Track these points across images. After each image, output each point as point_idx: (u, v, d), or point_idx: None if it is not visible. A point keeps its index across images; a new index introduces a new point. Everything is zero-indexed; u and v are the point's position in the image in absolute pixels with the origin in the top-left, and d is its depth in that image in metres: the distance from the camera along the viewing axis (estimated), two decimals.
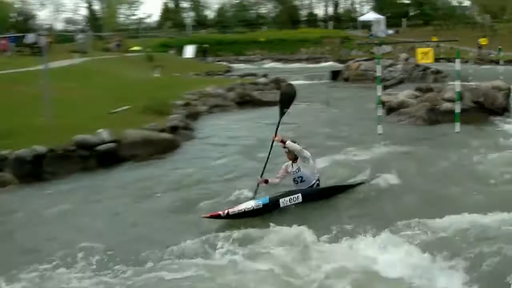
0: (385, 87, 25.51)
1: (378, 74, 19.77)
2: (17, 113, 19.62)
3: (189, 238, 9.63)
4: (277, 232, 9.84)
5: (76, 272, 8.56)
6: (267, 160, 11.59)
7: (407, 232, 9.49)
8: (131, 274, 8.43)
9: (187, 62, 53.73)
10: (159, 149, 17.56)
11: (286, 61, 63.35)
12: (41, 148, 15.39)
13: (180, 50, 64.21)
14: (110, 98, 23.86)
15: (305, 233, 9.62)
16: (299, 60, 63.36)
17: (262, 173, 11.51)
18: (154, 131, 18.41)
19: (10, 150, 15.12)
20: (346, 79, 41.77)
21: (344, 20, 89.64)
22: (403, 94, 24.25)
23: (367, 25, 73.15)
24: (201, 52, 63.89)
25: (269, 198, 11.03)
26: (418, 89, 24.74)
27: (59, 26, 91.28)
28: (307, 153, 11.47)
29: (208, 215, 10.40)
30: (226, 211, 10.42)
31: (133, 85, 28.67)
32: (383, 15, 73.21)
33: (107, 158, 16.33)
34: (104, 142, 16.58)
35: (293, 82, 35.24)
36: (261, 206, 10.80)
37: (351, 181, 12.80)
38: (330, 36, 71.32)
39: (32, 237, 10.63)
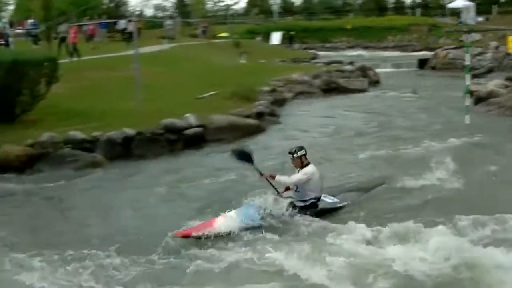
0: (473, 76, 25.00)
1: (467, 62, 19.40)
2: (109, 97, 20.27)
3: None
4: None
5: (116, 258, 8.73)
6: (272, 184, 10.60)
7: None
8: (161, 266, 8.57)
9: (273, 49, 53.78)
10: (245, 134, 17.86)
11: (372, 48, 62.58)
12: (130, 131, 15.98)
13: (266, 37, 64.28)
14: (197, 84, 24.26)
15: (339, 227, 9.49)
16: (385, 48, 62.35)
17: (277, 190, 10.58)
18: (240, 117, 18.71)
19: (102, 132, 15.73)
20: (433, 68, 40.97)
21: (432, 7, 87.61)
22: (493, 83, 23.74)
23: (456, 12, 71.28)
24: (288, 39, 63.78)
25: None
26: (509, 79, 24.20)
27: (149, 12, 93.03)
28: (303, 177, 10.22)
29: (180, 234, 9.31)
30: (200, 233, 9.31)
31: (219, 71, 28.96)
32: (472, 1, 71.27)
33: (194, 142, 16.77)
34: (191, 127, 17.03)
35: (380, 70, 35.32)
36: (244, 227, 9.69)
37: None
38: (417, 23, 69.76)
39: (98, 220, 11.00)
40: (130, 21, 38.08)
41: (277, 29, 67.11)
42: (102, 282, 8.00)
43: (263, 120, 19.58)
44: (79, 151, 15.03)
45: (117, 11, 72.52)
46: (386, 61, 44.80)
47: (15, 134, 15.51)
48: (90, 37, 41.62)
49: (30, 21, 40.18)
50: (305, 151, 10.51)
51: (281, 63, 40.12)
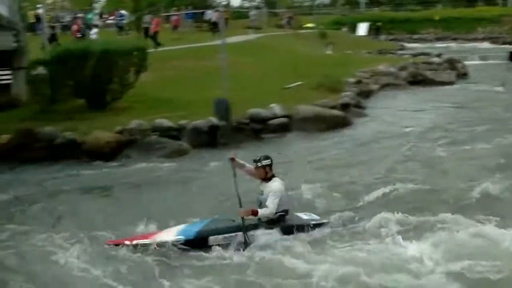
0: None
1: None
2: (195, 86, 20.58)
3: None
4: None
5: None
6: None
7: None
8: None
9: (359, 40, 53.16)
10: (330, 125, 17.80)
11: (461, 40, 61.23)
12: (216, 120, 16.13)
13: (352, 28, 63.69)
14: (283, 74, 24.27)
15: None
16: (475, 40, 60.86)
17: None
18: (326, 108, 18.65)
19: (188, 120, 15.99)
20: None
21: None
22: None
23: None
24: (374, 30, 63.01)
25: (197, 232, 8.86)
26: None
27: (235, 2, 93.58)
28: (276, 200, 8.88)
29: (112, 242, 8.82)
30: (134, 242, 8.68)
31: (305, 62, 28.85)
32: None
33: (279, 132, 16.84)
34: (276, 117, 17.11)
35: (468, 62, 34.47)
36: (183, 241, 8.74)
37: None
38: (509, 14, 67.75)
39: (164, 206, 11.07)
40: (216, 11, 38.46)
41: (363, 20, 66.38)
42: (109, 271, 8.12)
43: (349, 112, 19.44)
44: (165, 138, 15.45)
45: (204, 2, 73.25)
46: (475, 53, 43.72)
47: (105, 121, 16.06)
48: (175, 27, 42.25)
49: (120, 12, 41.20)
50: (271, 161, 9.38)
51: (367, 54, 39.67)
